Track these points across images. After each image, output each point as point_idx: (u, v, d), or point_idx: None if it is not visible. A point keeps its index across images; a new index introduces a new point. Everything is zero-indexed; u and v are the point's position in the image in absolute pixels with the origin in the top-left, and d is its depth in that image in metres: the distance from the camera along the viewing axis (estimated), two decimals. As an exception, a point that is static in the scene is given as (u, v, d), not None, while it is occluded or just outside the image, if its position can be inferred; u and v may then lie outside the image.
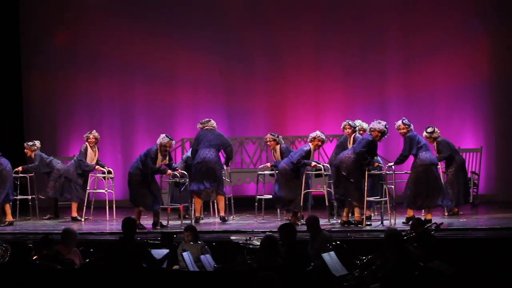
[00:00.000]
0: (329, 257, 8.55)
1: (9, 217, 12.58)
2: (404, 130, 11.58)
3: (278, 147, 12.43)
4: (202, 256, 9.07)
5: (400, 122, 11.69)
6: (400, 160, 11.63)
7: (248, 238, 9.57)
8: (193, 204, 12.37)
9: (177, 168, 12.08)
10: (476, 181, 13.86)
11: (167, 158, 12.00)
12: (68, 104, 16.06)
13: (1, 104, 15.65)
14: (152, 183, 11.95)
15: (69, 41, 16.11)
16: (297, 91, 15.49)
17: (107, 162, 13.92)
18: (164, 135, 11.93)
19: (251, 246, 9.27)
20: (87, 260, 8.88)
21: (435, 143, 12.39)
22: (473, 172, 13.95)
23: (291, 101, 15.50)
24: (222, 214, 12.37)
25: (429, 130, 12.34)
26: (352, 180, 11.34)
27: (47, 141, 14.86)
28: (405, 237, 8.45)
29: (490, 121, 14.95)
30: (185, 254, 9.03)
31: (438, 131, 12.42)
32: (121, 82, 15.94)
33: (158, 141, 11.87)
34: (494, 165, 14.88)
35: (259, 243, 8.80)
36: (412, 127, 11.60)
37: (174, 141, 12.12)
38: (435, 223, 9.26)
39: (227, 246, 9.83)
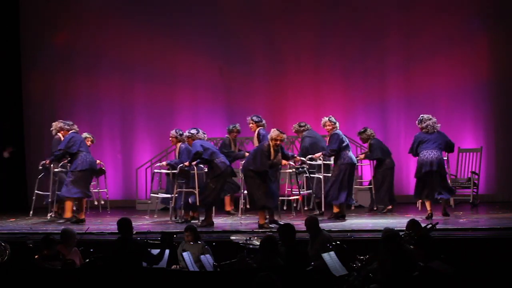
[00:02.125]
0: (329, 257, 8.55)
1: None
2: (330, 127, 12.13)
3: (178, 144, 12.35)
4: (202, 256, 9.07)
5: (326, 119, 12.19)
6: (330, 154, 12.17)
7: (248, 238, 9.56)
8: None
9: (295, 156, 11.96)
10: (476, 181, 13.86)
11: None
12: (68, 104, 16.06)
13: (1, 104, 15.65)
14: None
15: (69, 41, 16.11)
16: (297, 91, 15.49)
17: (107, 162, 13.93)
18: (274, 129, 11.53)
19: (251, 246, 9.27)
20: (87, 260, 8.89)
21: (367, 143, 13.07)
22: (473, 172, 13.95)
23: (291, 101, 15.50)
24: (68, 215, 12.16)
25: (361, 130, 13.06)
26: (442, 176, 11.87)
27: (47, 141, 14.83)
28: (402, 238, 8.45)
29: (490, 121, 14.94)
30: (185, 254, 9.04)
31: (371, 132, 12.91)
32: (121, 82, 15.94)
33: (270, 135, 11.50)
34: (494, 165, 14.88)
35: (259, 243, 8.80)
36: (337, 125, 12.14)
37: (285, 135, 11.64)
38: (430, 223, 9.23)
39: (227, 246, 9.82)
